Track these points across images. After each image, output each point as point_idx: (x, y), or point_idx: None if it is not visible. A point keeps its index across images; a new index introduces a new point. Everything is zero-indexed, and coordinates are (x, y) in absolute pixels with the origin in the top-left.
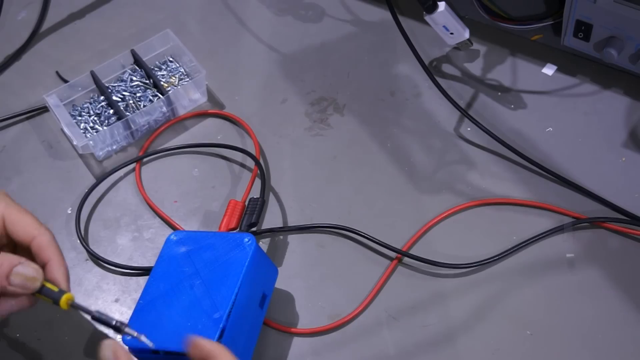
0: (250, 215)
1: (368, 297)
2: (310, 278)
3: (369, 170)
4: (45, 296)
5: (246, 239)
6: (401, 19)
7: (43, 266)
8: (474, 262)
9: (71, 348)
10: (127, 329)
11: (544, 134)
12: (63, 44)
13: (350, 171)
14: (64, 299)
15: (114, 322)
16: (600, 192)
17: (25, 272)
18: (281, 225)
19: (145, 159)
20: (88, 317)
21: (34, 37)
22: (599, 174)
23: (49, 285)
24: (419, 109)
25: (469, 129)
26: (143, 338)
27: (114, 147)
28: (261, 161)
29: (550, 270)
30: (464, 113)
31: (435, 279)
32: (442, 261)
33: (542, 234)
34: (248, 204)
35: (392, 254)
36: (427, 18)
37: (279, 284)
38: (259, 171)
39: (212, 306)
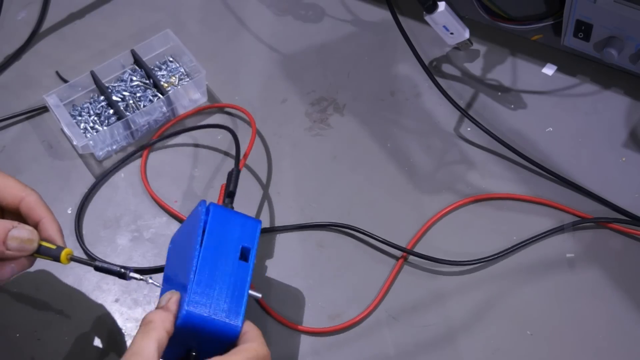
0: (228, 187)
1: (374, 301)
2: (310, 278)
3: (369, 170)
4: (44, 255)
5: (199, 206)
6: (401, 19)
7: (35, 226)
8: (475, 260)
9: (71, 348)
10: (131, 274)
11: (544, 134)
12: (63, 44)
13: (350, 171)
14: (63, 255)
15: (117, 269)
16: (600, 192)
17: (20, 235)
18: (281, 225)
19: (141, 158)
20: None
21: (34, 37)
22: (599, 174)
23: (45, 244)
24: (419, 109)
25: (469, 129)
26: (150, 281)
27: (114, 147)
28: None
29: (550, 270)
30: (464, 113)
31: (436, 279)
32: (443, 258)
33: (542, 233)
34: (227, 178)
35: (395, 252)
36: (427, 18)
37: (279, 283)
38: (234, 141)
39: (186, 278)
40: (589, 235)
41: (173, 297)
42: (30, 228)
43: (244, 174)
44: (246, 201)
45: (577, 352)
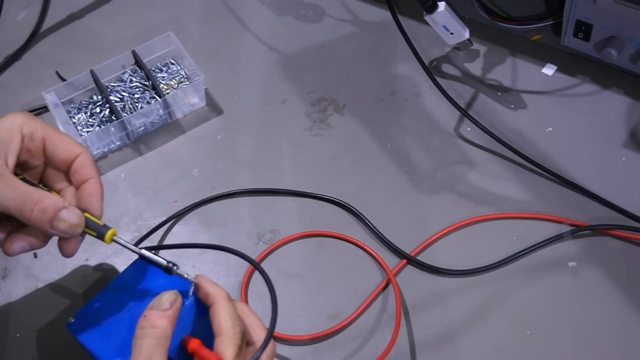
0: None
1: (367, 299)
2: (310, 278)
3: (369, 170)
4: (89, 231)
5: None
6: (401, 19)
7: (81, 184)
8: (475, 269)
9: (71, 348)
10: (178, 271)
11: (544, 134)
12: (63, 44)
13: (350, 171)
14: (108, 235)
15: (163, 263)
16: (600, 192)
17: (69, 218)
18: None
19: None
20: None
21: (34, 37)
22: (599, 174)
23: (93, 218)
24: (419, 109)
25: (469, 129)
26: (190, 279)
27: (111, 146)
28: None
29: (550, 270)
30: (464, 113)
31: (436, 279)
32: (444, 268)
33: (543, 241)
34: None
35: (396, 253)
36: (427, 18)
37: (279, 284)
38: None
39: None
40: (588, 240)
41: (178, 300)
42: (79, 213)
43: (245, 174)
44: (246, 201)
45: (577, 352)
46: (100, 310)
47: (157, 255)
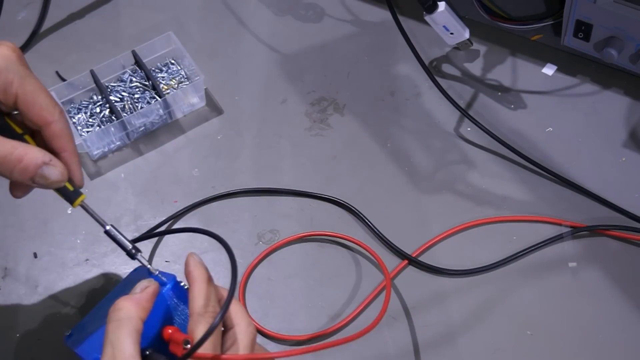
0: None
1: (366, 299)
2: (310, 278)
3: (369, 170)
4: (61, 193)
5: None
6: (401, 19)
7: (57, 151)
8: (475, 269)
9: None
10: (139, 256)
11: (544, 134)
12: (63, 44)
13: (350, 171)
14: (77, 201)
15: (127, 246)
16: (600, 192)
17: (50, 175)
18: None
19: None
20: None
21: (34, 37)
22: (599, 174)
23: (67, 184)
24: (419, 109)
25: (469, 129)
26: (157, 273)
27: (111, 146)
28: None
29: (550, 271)
30: (464, 113)
31: (436, 279)
32: (444, 268)
33: (543, 241)
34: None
35: (396, 253)
36: (427, 18)
37: (279, 284)
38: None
39: None
40: (588, 240)
41: (151, 286)
42: (62, 168)
43: (245, 174)
44: (246, 201)
45: (577, 352)
46: (97, 322)
47: (124, 236)
